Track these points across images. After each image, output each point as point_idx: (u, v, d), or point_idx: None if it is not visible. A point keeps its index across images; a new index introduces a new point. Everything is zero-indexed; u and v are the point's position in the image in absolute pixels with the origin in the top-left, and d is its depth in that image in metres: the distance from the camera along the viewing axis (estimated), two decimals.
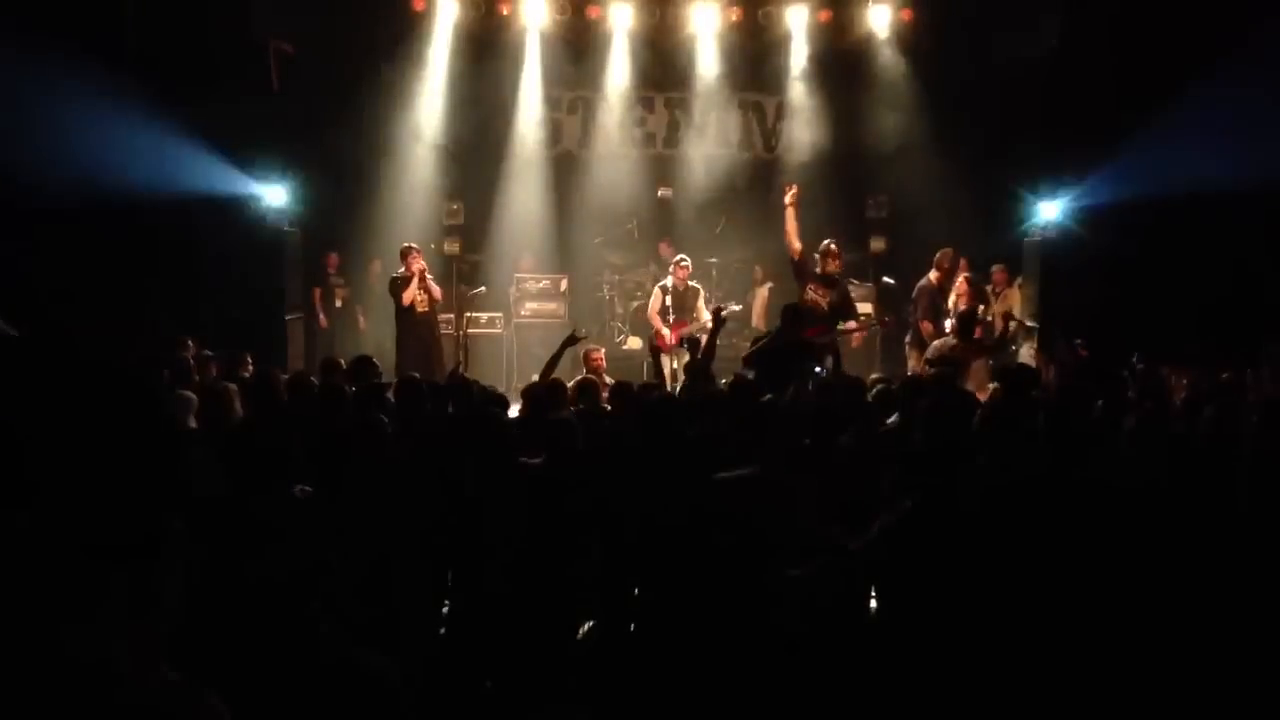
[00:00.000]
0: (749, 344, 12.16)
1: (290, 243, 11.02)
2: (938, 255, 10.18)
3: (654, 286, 10.54)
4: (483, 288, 11.84)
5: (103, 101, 8.94)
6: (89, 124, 8.74)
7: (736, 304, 11.99)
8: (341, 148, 11.43)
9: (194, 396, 5.13)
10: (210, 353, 7.51)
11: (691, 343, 7.91)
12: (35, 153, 8.28)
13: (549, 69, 12.61)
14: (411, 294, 9.92)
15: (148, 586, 0.89)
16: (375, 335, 11.54)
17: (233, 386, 5.12)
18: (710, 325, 7.27)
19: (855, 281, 11.89)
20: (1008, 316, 10.43)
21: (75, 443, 0.71)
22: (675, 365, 9.67)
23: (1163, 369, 7.24)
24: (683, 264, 10.19)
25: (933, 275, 9.77)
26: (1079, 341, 8.73)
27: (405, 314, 10.01)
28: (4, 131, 8.11)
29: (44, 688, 0.83)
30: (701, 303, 10.28)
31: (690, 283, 10.22)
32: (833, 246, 8.87)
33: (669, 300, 10.05)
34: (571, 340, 7.02)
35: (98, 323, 7.48)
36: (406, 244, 10.33)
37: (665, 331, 9.83)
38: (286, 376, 6.12)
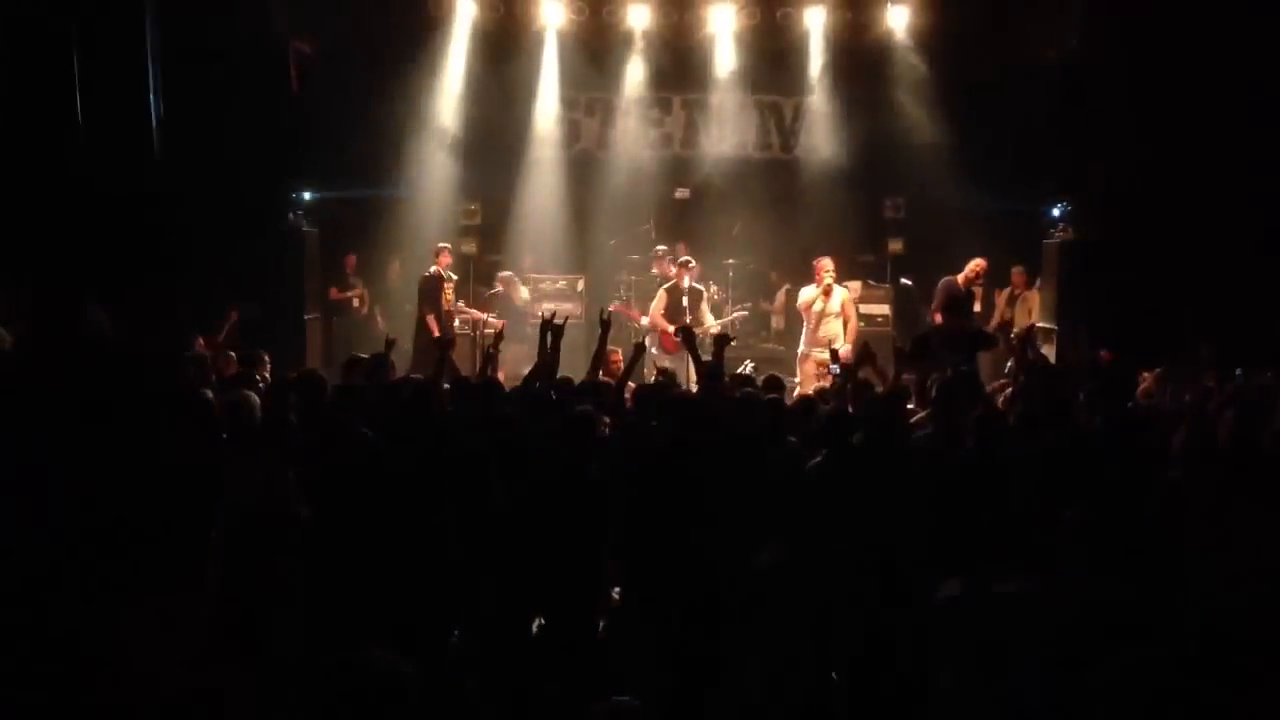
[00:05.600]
0: (769, 345, 12.28)
1: (309, 243, 11.05)
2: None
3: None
4: (499, 288, 11.85)
5: (122, 99, 8.98)
6: (106, 122, 8.76)
7: (744, 309, 11.97)
8: (360, 148, 11.46)
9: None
10: (233, 352, 7.54)
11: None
12: (53, 149, 8.33)
13: (567, 70, 12.60)
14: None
15: (187, 580, 0.88)
16: (393, 335, 11.57)
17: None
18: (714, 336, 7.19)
19: (873, 282, 11.91)
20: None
21: (119, 435, 0.70)
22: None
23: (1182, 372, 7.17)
24: (688, 265, 10.32)
25: (960, 277, 9.72)
26: (1103, 352, 8.66)
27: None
28: (24, 127, 8.16)
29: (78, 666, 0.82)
30: (705, 305, 10.39)
31: (694, 284, 10.32)
32: None
33: (684, 300, 10.14)
34: (605, 324, 6.75)
35: (117, 320, 7.50)
36: (441, 244, 10.69)
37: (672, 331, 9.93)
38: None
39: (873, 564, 3.93)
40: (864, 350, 6.38)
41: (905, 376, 6.74)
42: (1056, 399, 5.06)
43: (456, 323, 10.88)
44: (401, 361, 9.73)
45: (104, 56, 8.94)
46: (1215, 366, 6.72)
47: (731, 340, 7.42)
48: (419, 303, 10.65)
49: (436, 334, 10.03)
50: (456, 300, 10.87)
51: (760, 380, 6.60)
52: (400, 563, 4.31)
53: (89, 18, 8.83)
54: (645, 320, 10.50)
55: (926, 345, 7.43)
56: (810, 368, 9.57)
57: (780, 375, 6.89)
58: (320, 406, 4.86)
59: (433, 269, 10.48)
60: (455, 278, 10.79)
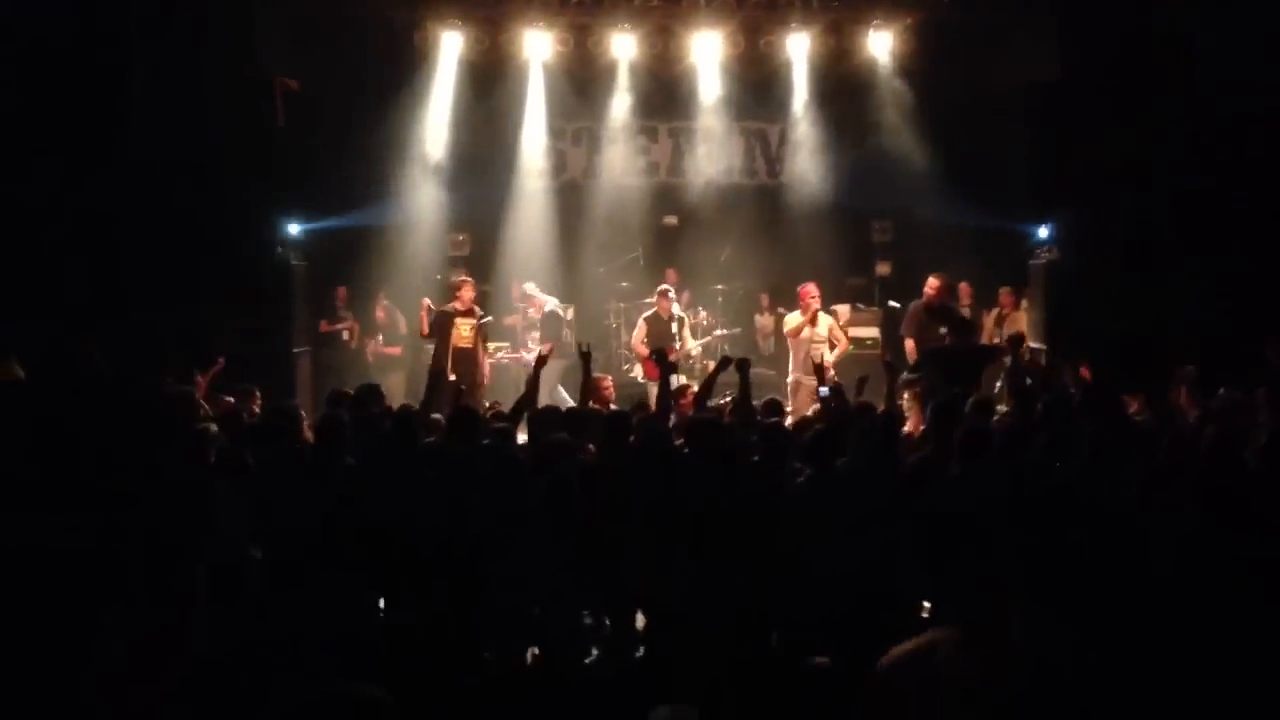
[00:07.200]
0: (759, 370, 12.25)
1: (297, 276, 11.05)
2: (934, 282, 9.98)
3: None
4: (489, 317, 11.86)
5: (109, 136, 9.03)
6: (95, 157, 8.81)
7: (733, 331, 12.04)
8: (348, 180, 11.50)
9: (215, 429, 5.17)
10: (224, 396, 7.49)
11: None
12: (40, 185, 8.36)
13: (553, 100, 12.69)
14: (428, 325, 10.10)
15: (170, 630, 0.87)
16: (382, 367, 11.56)
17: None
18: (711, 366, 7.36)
19: (861, 305, 11.93)
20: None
21: (110, 476, 0.71)
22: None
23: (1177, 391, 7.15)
24: (666, 294, 10.44)
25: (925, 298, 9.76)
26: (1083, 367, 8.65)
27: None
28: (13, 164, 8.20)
29: None
30: (687, 331, 10.46)
31: (675, 311, 10.38)
32: None
33: (662, 329, 10.21)
34: (585, 356, 6.82)
35: (105, 356, 7.49)
36: (462, 278, 10.58)
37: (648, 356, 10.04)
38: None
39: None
40: (861, 382, 6.46)
41: (899, 401, 6.74)
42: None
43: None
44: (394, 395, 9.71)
45: (91, 93, 9.01)
46: (1195, 388, 6.71)
47: (731, 363, 7.44)
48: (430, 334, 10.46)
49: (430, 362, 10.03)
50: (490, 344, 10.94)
51: (759, 403, 6.60)
52: (379, 592, 4.30)
53: (78, 56, 8.91)
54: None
55: (928, 365, 7.40)
56: (805, 395, 9.53)
57: (778, 398, 6.90)
58: (295, 441, 4.86)
59: (455, 304, 10.25)
60: (480, 313, 10.47)
